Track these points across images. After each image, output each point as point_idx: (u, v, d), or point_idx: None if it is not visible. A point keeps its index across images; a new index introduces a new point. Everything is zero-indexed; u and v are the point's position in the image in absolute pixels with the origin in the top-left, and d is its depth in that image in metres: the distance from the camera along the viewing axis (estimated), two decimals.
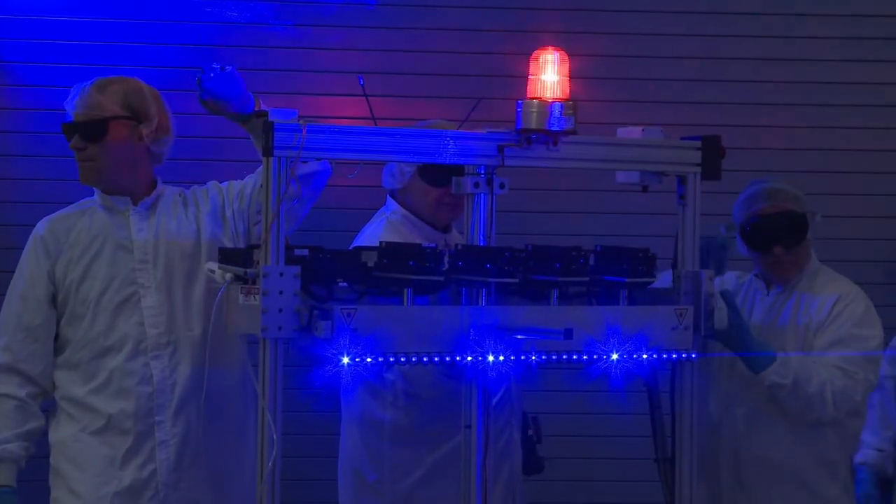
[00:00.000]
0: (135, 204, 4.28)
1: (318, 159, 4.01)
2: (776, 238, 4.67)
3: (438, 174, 4.55)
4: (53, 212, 4.36)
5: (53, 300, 4.24)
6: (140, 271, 4.22)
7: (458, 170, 3.96)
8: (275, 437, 3.64)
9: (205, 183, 4.45)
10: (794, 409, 4.55)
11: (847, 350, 4.58)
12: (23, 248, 4.32)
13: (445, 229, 4.80)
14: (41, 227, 4.30)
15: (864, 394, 4.61)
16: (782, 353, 4.52)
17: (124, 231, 4.25)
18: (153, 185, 4.32)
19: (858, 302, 4.70)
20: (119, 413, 4.18)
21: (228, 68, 4.01)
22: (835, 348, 4.59)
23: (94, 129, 4.19)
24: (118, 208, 4.28)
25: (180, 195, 4.36)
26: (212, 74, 3.99)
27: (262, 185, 3.77)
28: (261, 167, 4.27)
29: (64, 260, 4.24)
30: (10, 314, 4.26)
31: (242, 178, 4.43)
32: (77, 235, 4.25)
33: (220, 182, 4.43)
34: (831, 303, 4.67)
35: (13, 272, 4.32)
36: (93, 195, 4.35)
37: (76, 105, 4.23)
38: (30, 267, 4.26)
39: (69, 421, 4.23)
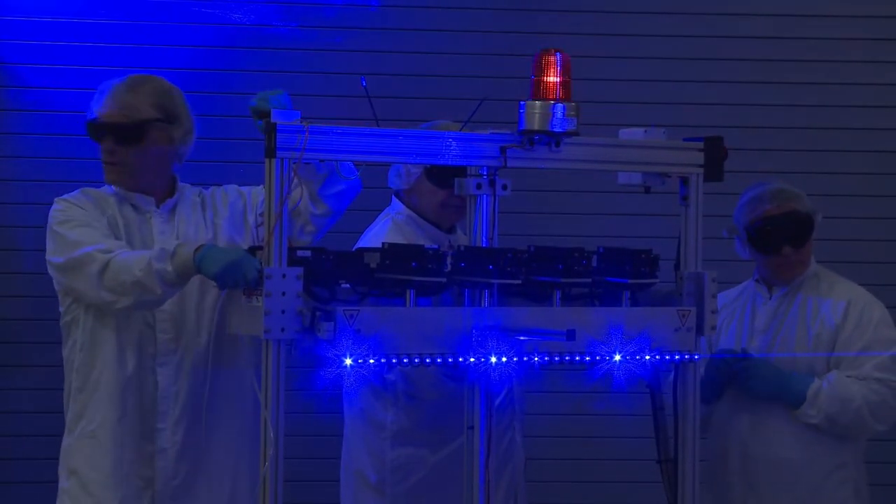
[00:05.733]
0: (157, 205, 4.20)
1: (321, 160, 4.00)
2: (784, 238, 4.69)
3: (445, 175, 4.54)
4: None
5: None
6: None
7: (464, 171, 3.95)
8: (277, 438, 3.64)
9: (211, 184, 4.41)
10: (837, 435, 4.61)
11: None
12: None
13: (450, 230, 4.80)
14: (77, 193, 4.15)
15: None
16: (812, 378, 4.60)
17: (147, 231, 4.16)
18: (174, 185, 4.24)
19: (873, 305, 4.71)
20: (123, 417, 4.09)
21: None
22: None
23: (129, 133, 4.10)
24: (142, 207, 4.18)
25: (199, 195, 4.29)
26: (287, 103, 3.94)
27: (267, 190, 3.72)
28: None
29: None
30: (79, 236, 4.02)
31: (244, 180, 4.43)
32: (113, 219, 4.13)
33: (242, 187, 4.36)
34: (843, 306, 4.67)
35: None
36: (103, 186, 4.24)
37: (106, 105, 4.11)
38: (90, 211, 4.08)
39: (82, 419, 4.12)
